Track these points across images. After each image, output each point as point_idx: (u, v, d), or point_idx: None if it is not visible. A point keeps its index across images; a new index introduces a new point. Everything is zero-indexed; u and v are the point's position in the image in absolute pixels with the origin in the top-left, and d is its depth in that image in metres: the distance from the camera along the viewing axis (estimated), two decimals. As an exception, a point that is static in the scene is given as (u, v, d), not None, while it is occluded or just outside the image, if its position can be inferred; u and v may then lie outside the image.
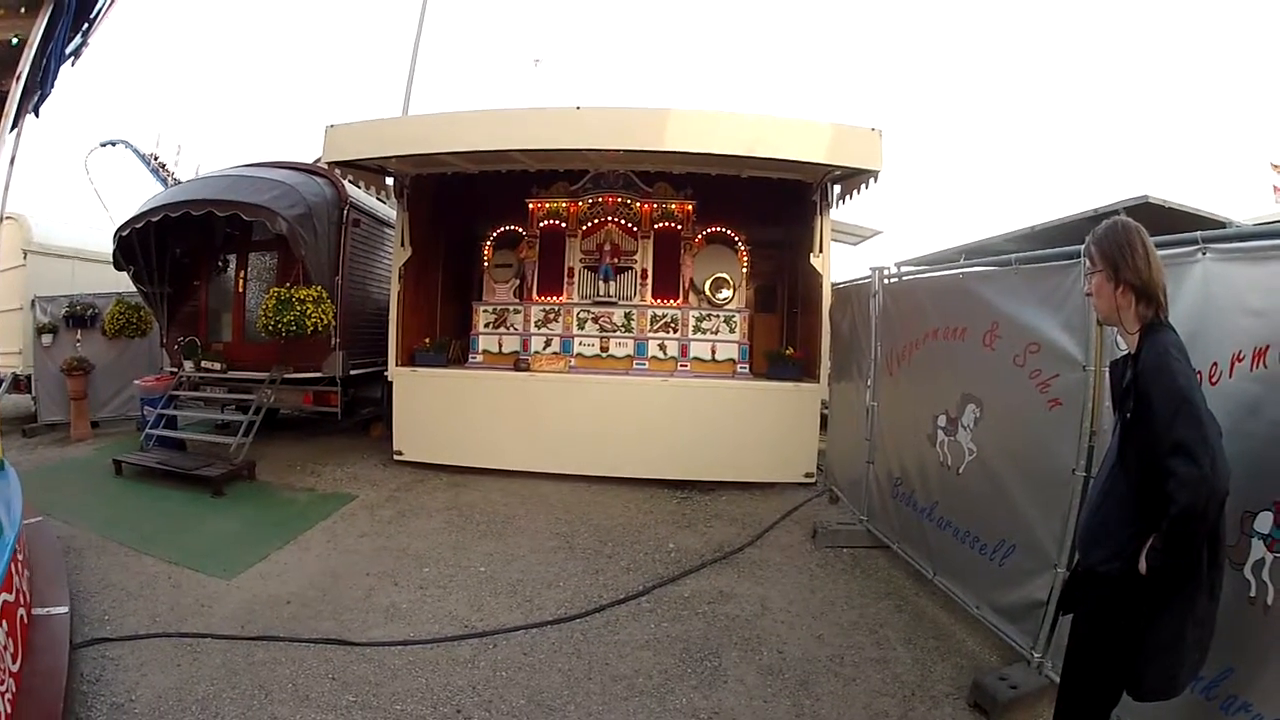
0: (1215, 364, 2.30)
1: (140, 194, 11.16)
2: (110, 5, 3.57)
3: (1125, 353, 2.07)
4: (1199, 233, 2.49)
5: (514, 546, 5.09)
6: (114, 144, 18.05)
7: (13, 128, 3.50)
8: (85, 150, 18.05)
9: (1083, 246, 2.15)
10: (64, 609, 3.45)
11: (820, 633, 3.80)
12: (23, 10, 3.27)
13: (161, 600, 4.09)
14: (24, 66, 3.28)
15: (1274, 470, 2.08)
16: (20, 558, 3.19)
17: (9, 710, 2.48)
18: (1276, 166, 11.66)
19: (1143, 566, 1.80)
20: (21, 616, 3.02)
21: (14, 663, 2.72)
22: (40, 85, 3.54)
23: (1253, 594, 2.12)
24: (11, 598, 2.86)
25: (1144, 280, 1.90)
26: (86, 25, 3.56)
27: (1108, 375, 2.29)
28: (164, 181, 16.40)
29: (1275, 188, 11.59)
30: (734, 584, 4.48)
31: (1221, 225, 3.55)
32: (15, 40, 3.41)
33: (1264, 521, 2.11)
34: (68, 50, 3.56)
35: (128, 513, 5.78)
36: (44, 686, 2.80)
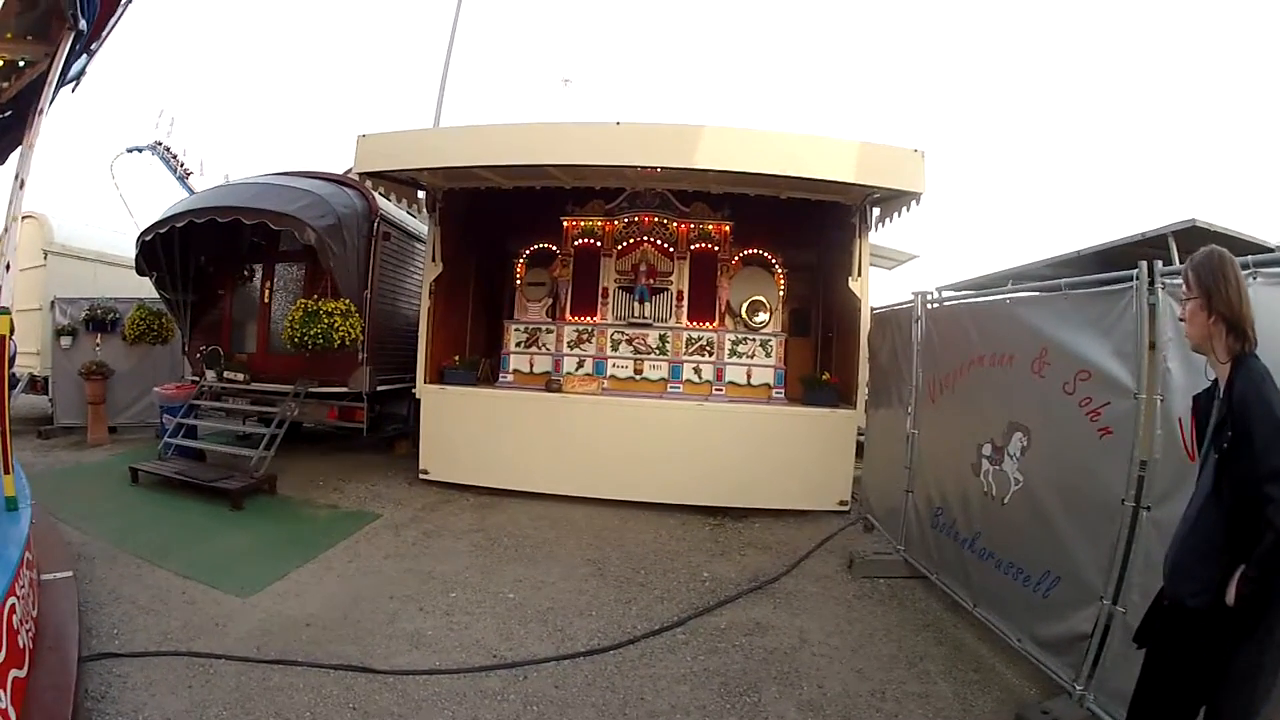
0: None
1: (165, 200, 11.26)
2: (112, 31, 3.84)
3: (1209, 384, 2.09)
4: (1249, 257, 2.47)
5: (543, 572, 4.86)
6: (141, 150, 18.33)
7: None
8: (112, 155, 18.49)
9: (1181, 270, 2.17)
10: None
11: (860, 666, 3.66)
12: (28, 38, 3.63)
13: (174, 616, 3.89)
14: (49, 89, 3.55)
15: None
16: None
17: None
18: None
19: (1231, 596, 1.79)
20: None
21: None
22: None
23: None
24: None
25: (1235, 312, 1.93)
26: (93, 49, 3.84)
27: (1190, 407, 2.24)
28: (190, 189, 16.57)
29: None
30: (770, 615, 4.31)
31: (1269, 250, 3.48)
32: (22, 63, 3.78)
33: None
34: (71, 73, 3.82)
35: (142, 522, 5.59)
36: (52, 701, 2.60)
